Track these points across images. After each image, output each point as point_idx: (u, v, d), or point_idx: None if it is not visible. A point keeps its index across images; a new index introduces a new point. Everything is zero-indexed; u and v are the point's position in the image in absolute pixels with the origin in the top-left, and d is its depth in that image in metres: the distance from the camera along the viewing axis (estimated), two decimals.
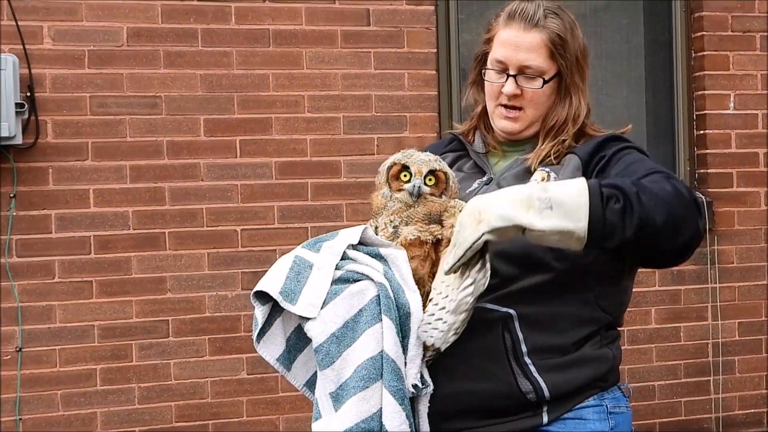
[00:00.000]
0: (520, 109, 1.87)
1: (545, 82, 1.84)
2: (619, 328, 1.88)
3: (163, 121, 4.14)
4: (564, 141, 1.85)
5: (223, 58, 4.19)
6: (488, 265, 1.58)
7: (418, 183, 1.75)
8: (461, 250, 1.56)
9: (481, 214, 1.55)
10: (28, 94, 3.91)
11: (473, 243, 1.55)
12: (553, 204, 1.54)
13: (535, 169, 1.83)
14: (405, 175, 1.76)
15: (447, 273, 1.58)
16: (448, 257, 1.59)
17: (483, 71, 1.90)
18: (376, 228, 1.78)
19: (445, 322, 1.60)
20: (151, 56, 4.11)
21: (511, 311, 1.74)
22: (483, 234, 1.55)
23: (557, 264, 1.73)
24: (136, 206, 4.11)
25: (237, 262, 4.23)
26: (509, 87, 1.84)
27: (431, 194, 1.76)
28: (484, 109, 1.94)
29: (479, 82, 1.93)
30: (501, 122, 1.88)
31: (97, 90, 4.06)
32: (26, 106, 3.89)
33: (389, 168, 1.79)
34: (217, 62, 4.18)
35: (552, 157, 1.83)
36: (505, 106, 1.87)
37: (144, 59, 4.11)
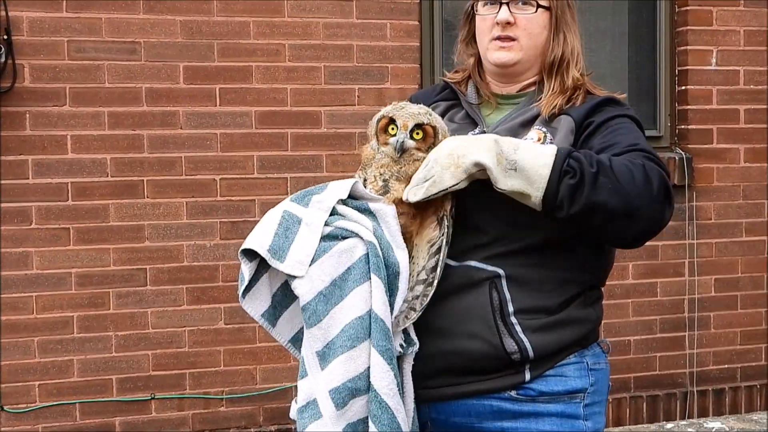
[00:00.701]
0: (514, 40, 1.89)
1: (539, 6, 1.87)
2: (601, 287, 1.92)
3: (142, 68, 4.12)
4: (576, 91, 1.87)
5: (203, 4, 4.17)
6: (450, 215, 1.69)
7: (401, 137, 1.76)
8: (436, 189, 1.63)
9: (460, 159, 1.62)
10: (5, 37, 3.88)
11: (451, 186, 1.63)
12: (518, 167, 1.62)
13: (530, 123, 1.85)
14: (392, 128, 1.78)
15: (410, 202, 1.65)
16: (416, 189, 1.65)
17: (473, 6, 1.94)
18: (365, 180, 1.80)
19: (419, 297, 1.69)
20: (130, 1, 4.09)
21: (500, 271, 1.78)
22: (461, 181, 1.64)
23: (545, 226, 1.75)
24: (115, 153, 4.10)
25: (215, 211, 4.24)
26: (503, 14, 1.87)
27: (417, 149, 1.78)
28: (478, 60, 1.97)
29: (471, 38, 1.97)
30: (495, 54, 1.90)
31: (75, 34, 4.03)
32: (2, 49, 3.86)
33: (378, 120, 1.81)
34: (197, 9, 4.16)
35: (559, 107, 1.85)
36: (500, 38, 1.89)
37: (123, 4, 4.09)
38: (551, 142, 1.78)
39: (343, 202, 1.73)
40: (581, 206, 1.62)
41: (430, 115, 1.79)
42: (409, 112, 1.77)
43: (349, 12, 4.30)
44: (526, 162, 1.63)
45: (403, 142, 1.75)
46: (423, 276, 1.72)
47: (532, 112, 1.88)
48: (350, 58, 4.34)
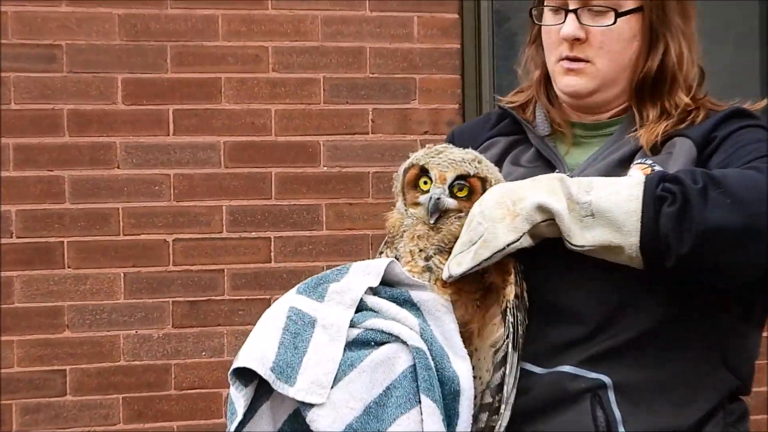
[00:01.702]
0: (586, 61, 1.84)
1: (618, 15, 1.82)
2: (745, 398, 1.85)
3: (64, 82, 3.90)
4: (689, 114, 1.82)
5: None
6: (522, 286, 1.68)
7: (437, 193, 1.70)
8: (488, 251, 1.60)
9: (516, 205, 1.61)
10: None
11: (510, 244, 1.60)
12: (596, 210, 1.59)
13: (629, 159, 1.81)
14: (425, 182, 1.73)
15: (450, 279, 1.63)
16: (460, 257, 1.62)
17: (533, 12, 1.91)
18: (396, 258, 1.72)
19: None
20: None
21: (605, 378, 1.71)
22: (522, 235, 1.60)
23: (663, 298, 1.70)
24: (22, 204, 3.87)
25: (167, 287, 3.96)
26: (569, 27, 1.82)
27: (459, 211, 1.70)
28: (545, 74, 1.92)
29: (539, 38, 1.92)
30: (562, 80, 1.85)
31: None
32: None
33: (405, 171, 1.75)
34: None
35: (668, 133, 1.81)
36: (568, 58, 1.84)
37: None
38: None
39: (373, 291, 1.67)
40: (693, 238, 1.56)
41: (479, 162, 1.72)
42: (449, 159, 1.71)
43: (359, 2, 4.06)
44: (606, 201, 1.60)
45: (438, 200, 1.68)
46: (487, 399, 1.68)
47: (632, 144, 1.82)
48: (361, 66, 4.09)
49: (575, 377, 1.73)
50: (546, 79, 1.93)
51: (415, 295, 1.69)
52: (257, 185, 4.06)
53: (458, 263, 1.63)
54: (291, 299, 1.67)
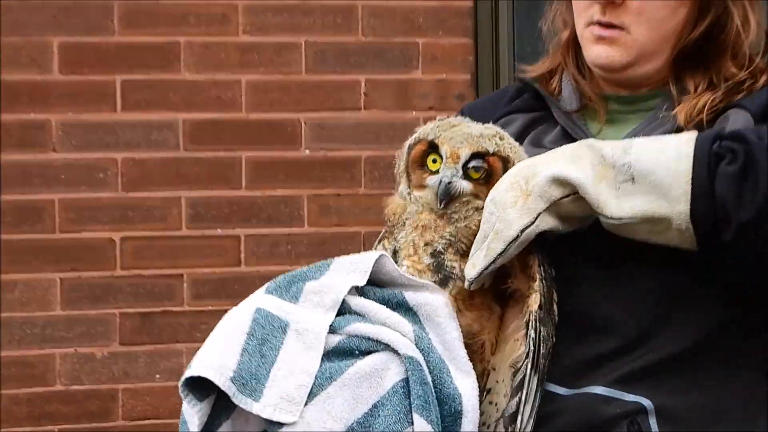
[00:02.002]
0: (621, 29, 1.77)
1: None
2: None
3: None
4: (742, 83, 1.77)
5: None
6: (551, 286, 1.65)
7: (448, 175, 1.64)
8: (501, 243, 1.56)
9: (529, 182, 1.58)
10: None
11: (523, 229, 1.56)
12: (636, 174, 1.55)
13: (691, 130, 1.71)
14: (434, 160, 1.67)
15: (470, 285, 1.60)
16: (474, 258, 1.60)
17: None
18: (396, 252, 1.69)
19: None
20: None
21: (644, 401, 1.64)
22: (537, 216, 1.56)
23: (717, 311, 1.66)
24: None
25: (113, 295, 3.74)
26: None
27: (475, 196, 1.65)
28: (574, 37, 1.88)
29: None
30: (591, 49, 1.81)
31: None
32: None
33: (411, 147, 1.70)
34: None
35: (717, 107, 1.75)
36: (599, 23, 1.79)
37: None
38: None
39: (359, 291, 1.64)
40: (759, 203, 1.50)
41: (500, 138, 1.68)
42: (464, 134, 1.66)
43: None
44: (649, 161, 1.54)
45: (450, 183, 1.64)
46: (501, 428, 1.63)
47: (676, 121, 1.78)
48: (351, 28, 3.84)
49: (608, 400, 1.67)
50: (576, 43, 1.89)
51: (412, 296, 1.65)
52: (224, 172, 3.80)
53: (473, 265, 1.60)
54: (258, 300, 1.63)
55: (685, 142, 1.57)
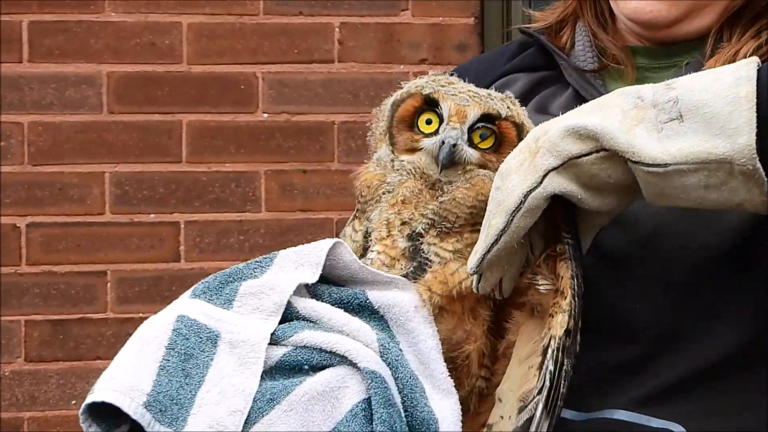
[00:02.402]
0: None
1: None
2: None
3: None
4: None
5: None
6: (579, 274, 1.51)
7: (452, 137, 1.52)
8: (502, 217, 1.45)
9: (540, 140, 1.47)
10: None
11: (526, 194, 1.44)
12: (684, 110, 1.42)
13: None
14: (428, 121, 1.56)
15: (476, 285, 1.50)
16: (476, 245, 1.50)
17: None
18: (367, 234, 1.59)
19: None
20: None
21: (675, 428, 1.57)
22: (546, 173, 1.44)
23: (760, 315, 1.60)
24: None
25: (18, 297, 3.38)
26: None
27: (481, 165, 1.56)
28: None
29: None
30: (630, 1, 1.73)
31: None
32: None
33: (397, 103, 1.58)
34: None
35: (765, 57, 1.67)
36: None
37: None
38: None
39: (311, 291, 1.54)
40: None
41: (512, 102, 1.59)
42: (470, 90, 1.56)
43: None
44: (701, 90, 1.41)
45: (455, 145, 1.53)
46: None
47: None
48: None
49: (630, 426, 1.58)
50: None
51: (377, 296, 1.52)
52: (159, 141, 3.45)
53: (474, 252, 1.47)
54: (181, 306, 1.49)
55: (744, 65, 1.44)
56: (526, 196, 1.43)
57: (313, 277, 1.52)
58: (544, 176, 1.42)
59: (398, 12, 3.49)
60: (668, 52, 1.76)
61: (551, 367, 1.49)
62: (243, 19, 3.46)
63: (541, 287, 1.49)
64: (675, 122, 1.40)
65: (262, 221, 3.39)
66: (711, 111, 1.39)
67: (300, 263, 1.54)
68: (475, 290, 1.50)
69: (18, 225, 3.36)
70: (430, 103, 1.56)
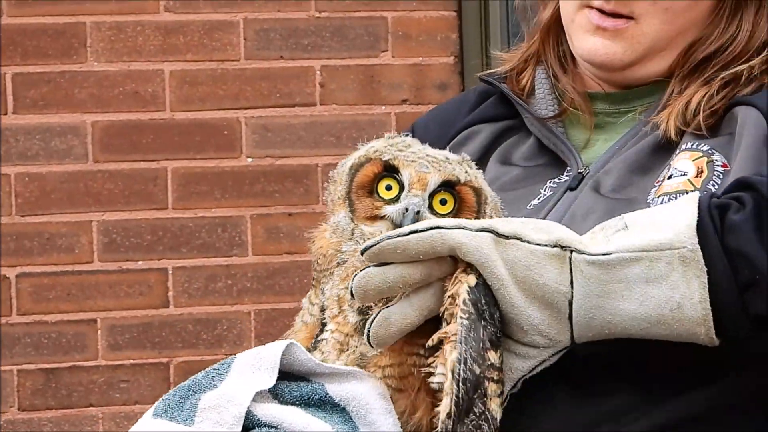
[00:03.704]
0: (627, 17, 1.70)
1: None
2: None
3: None
4: (738, 79, 1.70)
5: None
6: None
7: (416, 204, 1.51)
8: (427, 224, 1.49)
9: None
10: None
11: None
12: (630, 221, 1.47)
13: (675, 143, 1.66)
14: (388, 187, 1.54)
15: (364, 252, 1.40)
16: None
17: None
18: (323, 309, 1.56)
19: None
20: None
21: None
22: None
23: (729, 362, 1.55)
24: None
25: (9, 348, 3.46)
26: None
27: None
28: (557, 20, 1.79)
29: None
30: (586, 40, 1.71)
31: None
32: None
33: (355, 168, 1.55)
34: None
35: (714, 110, 1.66)
36: (602, 11, 1.70)
37: None
38: (721, 174, 1.64)
39: (270, 390, 1.51)
40: None
41: (469, 165, 1.59)
42: (428, 156, 1.56)
43: None
44: (646, 212, 1.47)
45: (418, 212, 1.52)
46: None
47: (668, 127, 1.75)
48: (302, 0, 3.63)
49: None
50: (558, 28, 1.79)
51: (336, 390, 1.52)
52: (145, 188, 3.53)
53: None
54: (144, 427, 1.47)
55: (682, 202, 1.50)
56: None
57: (270, 381, 1.52)
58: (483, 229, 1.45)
59: (378, 53, 3.59)
60: (626, 97, 1.78)
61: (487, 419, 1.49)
62: (224, 64, 3.56)
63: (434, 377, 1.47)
64: (621, 231, 1.44)
65: (249, 265, 3.47)
66: (656, 219, 1.45)
67: (257, 367, 1.54)
68: (367, 329, 1.46)
69: (8, 276, 3.43)
70: (390, 169, 1.56)
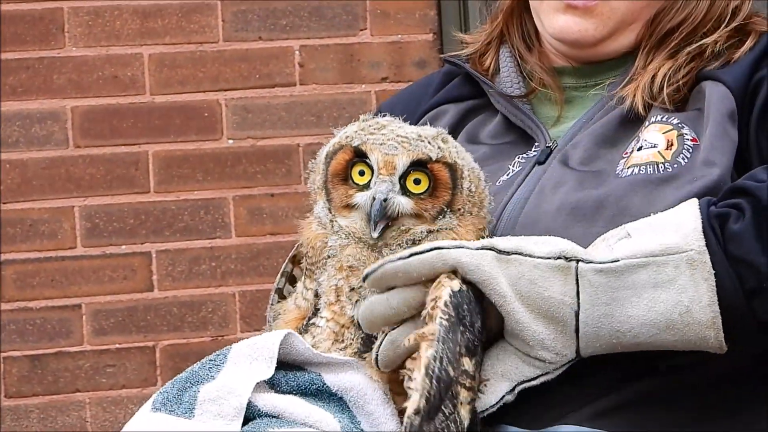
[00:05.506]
0: None
1: None
2: None
3: None
4: (703, 53, 1.78)
5: None
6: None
7: (383, 190, 1.58)
8: (427, 245, 1.55)
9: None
10: None
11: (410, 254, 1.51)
12: (631, 229, 1.51)
13: (642, 116, 1.74)
14: (361, 173, 1.61)
15: (366, 276, 1.51)
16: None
17: None
18: (317, 294, 1.65)
19: None
20: None
21: None
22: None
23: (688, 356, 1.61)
24: None
25: None
26: None
27: (418, 216, 1.61)
28: (521, 0, 1.89)
29: None
30: (557, 19, 1.78)
31: None
32: None
33: (330, 156, 1.64)
34: None
35: (680, 84, 1.74)
36: None
37: None
38: (691, 148, 1.69)
39: (269, 383, 1.57)
40: None
41: (443, 141, 1.63)
42: (398, 136, 1.60)
43: None
44: (647, 220, 1.53)
45: (385, 200, 1.58)
46: None
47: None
48: None
49: None
50: (521, 9, 1.88)
51: (333, 380, 1.58)
52: (126, 172, 3.54)
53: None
54: (143, 422, 1.55)
55: (688, 206, 1.52)
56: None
57: (268, 372, 1.57)
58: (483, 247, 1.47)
59: (357, 32, 3.62)
60: (593, 70, 1.83)
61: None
62: (203, 47, 3.58)
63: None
64: (624, 240, 1.48)
65: (232, 247, 3.51)
66: (659, 224, 1.49)
67: (254, 357, 1.58)
68: (374, 354, 1.52)
69: None
70: (361, 155, 1.61)
